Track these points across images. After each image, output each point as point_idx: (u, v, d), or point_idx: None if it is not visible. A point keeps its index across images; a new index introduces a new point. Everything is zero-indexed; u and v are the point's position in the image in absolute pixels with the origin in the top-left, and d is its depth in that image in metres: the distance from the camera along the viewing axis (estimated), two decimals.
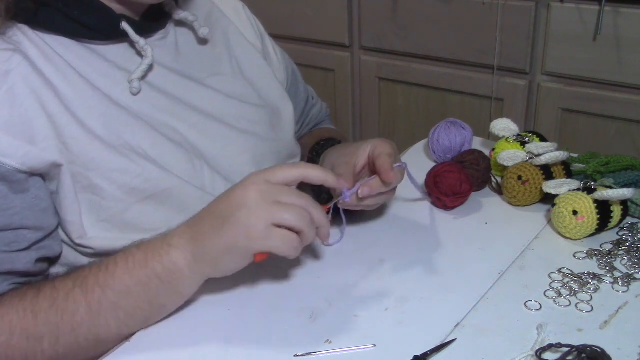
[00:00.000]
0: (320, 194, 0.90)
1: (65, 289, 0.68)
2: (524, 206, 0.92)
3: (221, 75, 0.90)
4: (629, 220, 0.87)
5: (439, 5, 1.69)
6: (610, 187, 0.84)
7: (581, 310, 0.71)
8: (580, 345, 0.64)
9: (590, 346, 0.64)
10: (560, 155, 0.90)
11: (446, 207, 0.92)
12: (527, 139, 0.98)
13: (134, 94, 0.78)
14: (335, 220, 0.84)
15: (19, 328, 0.67)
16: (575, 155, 0.99)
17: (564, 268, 0.78)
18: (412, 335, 0.69)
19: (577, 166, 0.96)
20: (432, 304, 0.73)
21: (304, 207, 0.68)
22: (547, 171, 0.91)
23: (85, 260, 0.77)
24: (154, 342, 0.70)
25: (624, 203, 0.84)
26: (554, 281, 0.76)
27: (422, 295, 0.75)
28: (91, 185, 0.74)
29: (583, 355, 0.63)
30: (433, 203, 0.94)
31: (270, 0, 1.95)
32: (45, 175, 0.73)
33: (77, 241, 0.75)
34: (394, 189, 0.82)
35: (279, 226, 0.66)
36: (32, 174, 0.71)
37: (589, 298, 0.73)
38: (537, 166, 0.90)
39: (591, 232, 0.83)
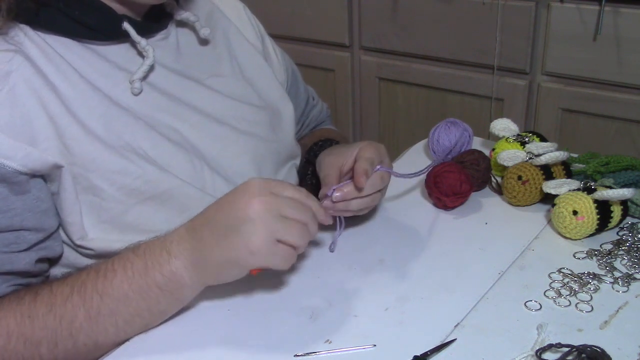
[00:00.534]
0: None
1: (63, 294, 0.68)
2: (524, 206, 0.92)
3: (222, 76, 0.90)
4: (629, 220, 0.87)
5: (439, 5, 1.70)
6: (610, 187, 0.84)
7: (581, 310, 0.71)
8: (580, 345, 0.64)
9: (590, 346, 0.64)
10: (560, 155, 0.90)
11: (446, 207, 0.92)
12: (527, 139, 0.98)
13: (136, 95, 0.78)
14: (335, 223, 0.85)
15: (16, 332, 0.67)
16: (575, 155, 0.99)
17: (564, 268, 0.78)
18: (412, 335, 0.69)
19: (577, 166, 0.96)
20: (432, 304, 0.73)
21: (305, 222, 0.68)
22: (547, 171, 0.91)
23: (85, 261, 0.77)
24: (154, 342, 0.70)
25: (624, 203, 0.84)
26: (554, 281, 0.76)
27: (422, 295, 0.75)
28: (91, 187, 0.74)
29: (583, 355, 0.63)
30: (433, 203, 0.94)
31: (270, 0, 1.95)
32: (46, 176, 0.73)
33: (78, 242, 0.75)
34: (383, 191, 0.83)
35: (281, 242, 0.67)
36: (33, 175, 0.71)
37: (589, 298, 0.73)
38: (537, 166, 0.91)
39: (591, 232, 0.83)
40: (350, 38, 1.90)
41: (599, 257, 0.81)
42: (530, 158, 0.93)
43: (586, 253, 0.82)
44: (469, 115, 1.75)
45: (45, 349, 0.68)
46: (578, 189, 0.85)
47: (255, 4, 1.13)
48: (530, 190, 0.90)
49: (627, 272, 0.77)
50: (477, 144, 1.10)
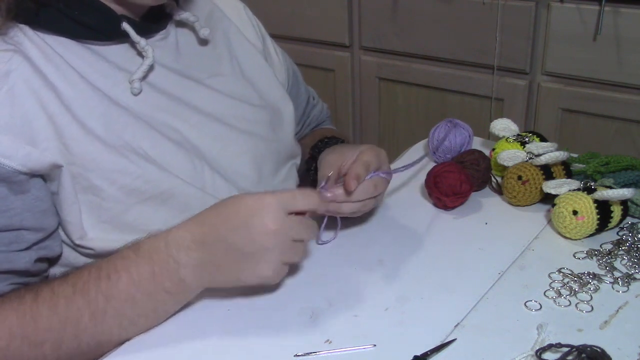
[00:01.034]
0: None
1: (65, 295, 0.68)
2: (524, 206, 0.92)
3: (222, 76, 0.90)
4: (629, 220, 0.87)
5: (439, 5, 1.69)
6: (610, 187, 0.84)
7: (581, 310, 0.71)
8: (580, 345, 0.64)
9: (590, 346, 0.64)
10: (560, 155, 0.90)
11: (446, 207, 0.92)
12: (527, 139, 0.98)
13: (135, 95, 0.78)
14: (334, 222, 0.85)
15: (19, 333, 0.67)
16: (575, 155, 0.99)
17: (564, 268, 0.78)
18: (412, 335, 0.69)
19: (577, 166, 0.96)
20: (432, 304, 0.73)
21: (308, 241, 0.72)
22: (547, 171, 0.91)
23: (85, 260, 0.77)
24: (154, 342, 0.70)
25: (624, 203, 0.84)
26: (554, 281, 0.76)
27: (422, 295, 0.75)
28: (91, 186, 0.74)
29: (583, 355, 0.63)
30: (433, 203, 0.94)
31: (271, 0, 1.95)
32: (45, 176, 0.73)
33: (77, 242, 0.75)
34: (378, 198, 0.83)
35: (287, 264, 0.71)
36: (32, 175, 0.71)
37: (589, 298, 0.73)
38: (537, 166, 0.91)
39: (591, 232, 0.83)
40: (350, 38, 1.90)
41: (599, 257, 0.80)
42: (530, 158, 0.93)
43: (586, 253, 0.81)
44: (469, 115, 1.74)
45: (49, 349, 0.68)
46: (578, 189, 0.85)
47: (255, 4, 1.13)
48: (530, 190, 0.90)
49: (627, 272, 0.77)
50: (477, 144, 1.10)
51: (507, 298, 0.74)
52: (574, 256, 0.81)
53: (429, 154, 1.02)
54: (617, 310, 0.71)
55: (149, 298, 0.69)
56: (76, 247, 0.76)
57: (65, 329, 0.67)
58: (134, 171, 0.75)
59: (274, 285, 0.77)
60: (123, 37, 0.78)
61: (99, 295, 0.67)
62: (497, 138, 1.02)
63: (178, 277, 0.68)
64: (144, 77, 0.79)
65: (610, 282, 0.76)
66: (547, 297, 0.74)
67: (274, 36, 1.06)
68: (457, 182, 0.90)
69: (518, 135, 0.99)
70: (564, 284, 0.75)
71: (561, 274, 0.77)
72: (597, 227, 0.83)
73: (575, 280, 0.76)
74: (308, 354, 0.67)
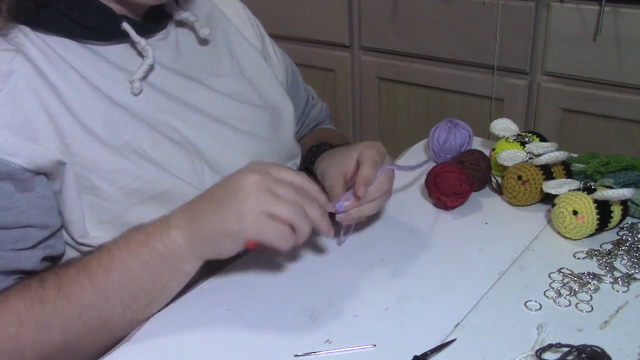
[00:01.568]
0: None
1: (70, 275, 0.69)
2: (524, 206, 0.92)
3: (221, 76, 0.90)
4: (629, 220, 0.87)
5: (439, 5, 1.70)
6: (610, 187, 0.84)
7: (581, 310, 0.71)
8: (580, 345, 0.64)
9: (590, 346, 0.64)
10: (560, 155, 0.90)
11: (446, 207, 0.92)
12: (527, 139, 0.98)
13: (135, 95, 0.78)
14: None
15: (27, 318, 0.68)
16: (575, 155, 0.99)
17: (564, 268, 0.78)
18: (412, 335, 0.69)
19: (577, 166, 0.96)
20: (432, 304, 0.73)
21: (299, 203, 0.69)
22: (547, 171, 0.91)
23: None
24: (154, 341, 0.70)
25: (624, 203, 0.84)
26: (554, 281, 0.76)
27: (422, 295, 0.75)
28: (92, 187, 0.74)
29: (583, 355, 0.63)
30: (433, 203, 0.94)
31: (270, 0, 1.95)
32: (49, 174, 0.73)
33: (80, 240, 0.76)
34: (389, 190, 0.83)
35: (273, 217, 0.67)
36: (37, 172, 0.71)
37: (589, 298, 0.73)
38: (537, 166, 0.91)
39: (591, 232, 0.83)
40: (350, 38, 1.91)
41: (599, 257, 0.81)
42: (530, 158, 0.93)
43: (586, 253, 0.82)
44: (469, 115, 1.75)
45: (57, 332, 0.68)
46: (578, 189, 0.85)
47: (255, 4, 1.13)
48: (530, 190, 0.90)
49: (627, 272, 0.77)
50: (477, 144, 1.10)
51: (507, 298, 0.74)
52: (574, 256, 0.81)
53: (431, 156, 1.02)
54: (617, 310, 0.71)
55: (144, 267, 0.69)
56: (78, 245, 0.77)
57: (70, 308, 0.68)
58: (134, 171, 0.76)
59: (274, 285, 0.77)
60: (123, 37, 0.78)
61: (99, 270, 0.69)
62: (497, 138, 1.02)
63: (168, 237, 0.69)
64: (144, 77, 0.80)
65: (610, 282, 0.76)
66: (547, 297, 0.74)
67: (274, 36, 1.06)
68: (457, 182, 0.90)
69: (518, 135, 0.99)
70: (564, 284, 0.76)
71: (561, 274, 0.77)
72: (597, 227, 0.83)
73: (575, 280, 0.76)
74: (308, 354, 0.67)
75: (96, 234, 0.75)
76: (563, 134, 1.64)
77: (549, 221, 0.88)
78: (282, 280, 0.78)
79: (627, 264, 0.79)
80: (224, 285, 0.76)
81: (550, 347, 0.65)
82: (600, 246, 0.83)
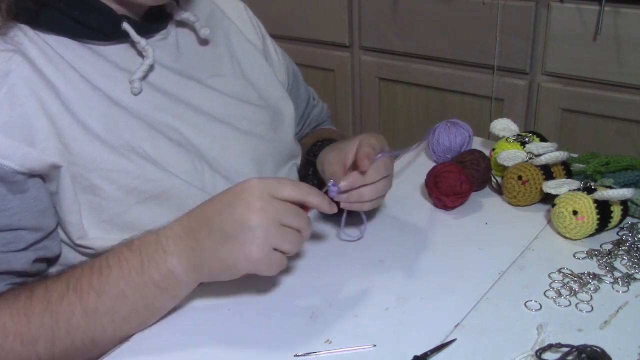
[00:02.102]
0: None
1: (59, 291, 0.68)
2: (524, 206, 0.92)
3: (222, 76, 0.90)
4: (629, 220, 0.87)
5: (439, 5, 1.69)
6: (610, 187, 0.84)
7: (581, 310, 0.71)
8: (580, 345, 0.64)
9: (590, 346, 0.64)
10: (560, 155, 0.90)
11: (446, 207, 0.92)
12: (527, 139, 0.98)
13: (135, 94, 0.78)
14: (353, 219, 0.85)
15: (13, 331, 0.67)
16: (575, 155, 0.99)
17: (564, 268, 0.78)
18: (412, 335, 0.69)
19: (577, 166, 0.96)
20: (432, 304, 0.73)
21: (301, 229, 0.69)
22: (547, 171, 0.91)
23: (84, 260, 0.77)
24: (154, 342, 0.70)
25: (624, 203, 0.84)
26: (554, 281, 0.76)
27: (422, 295, 0.75)
28: (91, 186, 0.74)
29: (583, 355, 0.63)
30: (433, 203, 0.94)
31: (271, 0, 1.95)
32: (44, 176, 0.73)
33: (78, 241, 0.75)
34: (389, 179, 0.82)
35: (277, 250, 0.68)
36: (31, 174, 0.71)
37: (589, 298, 0.73)
38: (537, 166, 0.91)
39: (591, 232, 0.83)
40: (350, 38, 1.90)
41: (599, 257, 0.80)
42: (530, 158, 0.93)
43: (586, 253, 0.81)
44: (469, 115, 1.74)
45: (43, 347, 0.67)
46: (578, 189, 0.85)
47: (255, 4, 1.13)
48: (530, 190, 0.90)
49: (627, 272, 0.77)
50: (477, 144, 1.10)
51: (507, 298, 0.74)
52: (574, 256, 0.81)
53: (427, 146, 1.03)
54: (617, 310, 0.71)
55: (139, 293, 0.68)
56: (76, 247, 0.76)
57: (57, 326, 0.67)
58: (134, 171, 0.76)
59: (274, 285, 0.77)
60: (123, 37, 0.78)
61: (90, 291, 0.67)
62: (497, 138, 1.02)
63: (166, 267, 0.67)
64: (144, 77, 0.80)
65: (610, 282, 0.76)
66: (547, 297, 0.74)
67: (274, 36, 1.06)
68: (457, 182, 0.90)
69: (518, 135, 0.99)
70: (564, 284, 0.75)
71: (561, 274, 0.77)
72: (597, 227, 0.83)
73: (575, 280, 0.76)
74: (308, 354, 0.67)
75: (95, 234, 0.75)
76: (563, 134, 1.64)
77: (549, 221, 0.88)
78: (282, 280, 0.78)
79: (627, 264, 0.79)
80: (223, 285, 0.76)
81: (550, 347, 0.65)
82: (600, 246, 0.83)
